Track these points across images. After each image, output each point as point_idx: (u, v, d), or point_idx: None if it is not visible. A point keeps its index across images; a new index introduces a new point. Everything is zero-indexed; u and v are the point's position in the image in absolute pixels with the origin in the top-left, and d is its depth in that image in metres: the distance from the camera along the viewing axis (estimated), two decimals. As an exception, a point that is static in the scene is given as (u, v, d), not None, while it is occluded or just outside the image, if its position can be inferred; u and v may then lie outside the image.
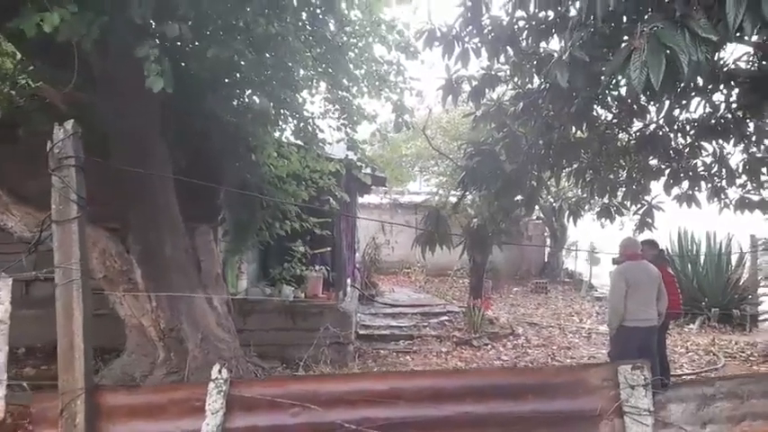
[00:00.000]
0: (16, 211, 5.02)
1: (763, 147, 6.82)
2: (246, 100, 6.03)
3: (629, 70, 2.09)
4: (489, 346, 8.53)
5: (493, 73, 5.49)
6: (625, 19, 2.99)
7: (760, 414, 2.12)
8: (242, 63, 4.84)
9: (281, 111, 5.95)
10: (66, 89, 4.26)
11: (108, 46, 4.15)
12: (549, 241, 18.64)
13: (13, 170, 5.27)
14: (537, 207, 14.53)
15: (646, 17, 2.15)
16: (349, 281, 10.37)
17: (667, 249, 11.20)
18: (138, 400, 2.08)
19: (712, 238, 11.62)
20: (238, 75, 5.40)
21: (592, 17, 2.16)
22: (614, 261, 6.20)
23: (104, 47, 4.06)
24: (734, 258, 11.33)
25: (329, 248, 8.61)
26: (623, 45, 2.16)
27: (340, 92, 5.77)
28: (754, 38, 3.93)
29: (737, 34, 1.88)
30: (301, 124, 5.94)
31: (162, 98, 3.97)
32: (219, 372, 1.99)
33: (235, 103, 5.98)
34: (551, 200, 8.36)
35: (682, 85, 5.73)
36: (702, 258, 11.38)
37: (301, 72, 5.66)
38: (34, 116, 5.12)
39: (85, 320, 1.88)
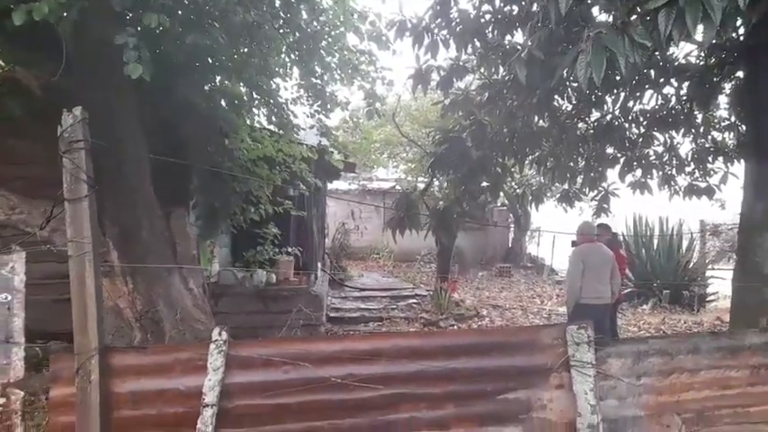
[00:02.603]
0: (-8, 193, 5.00)
1: (710, 137, 7.32)
2: (219, 85, 6.09)
3: (577, 69, 2.37)
4: (455, 326, 8.89)
5: (461, 63, 5.74)
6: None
7: (686, 368, 2.45)
8: (216, 48, 4.93)
9: (255, 96, 6.04)
10: (40, 73, 4.30)
11: (84, 30, 4.19)
12: (512, 227, 19.19)
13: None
14: (502, 194, 15.01)
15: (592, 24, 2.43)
16: (319, 265, 10.54)
17: (623, 233, 11.80)
18: (147, 359, 2.26)
19: (665, 224, 12.23)
20: (211, 60, 5.47)
21: (548, 20, 2.42)
22: (573, 243, 6.57)
23: (81, 31, 4.10)
24: (684, 243, 11.97)
25: (303, 213, 8.70)
26: (572, 47, 2.43)
27: (313, 79, 5.90)
28: (700, 36, 4.29)
29: (669, 40, 2.16)
30: (275, 110, 6.05)
31: (135, 83, 4.05)
32: (219, 333, 2.20)
33: (207, 87, 6.04)
34: (515, 186, 8.69)
35: (635, 79, 6.15)
36: (655, 243, 11.97)
37: (275, 58, 5.75)
38: (6, 99, 5.10)
39: (97, 288, 2.05)
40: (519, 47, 4.51)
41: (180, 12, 4.46)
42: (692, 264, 11.73)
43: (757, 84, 4.82)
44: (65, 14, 3.57)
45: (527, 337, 2.42)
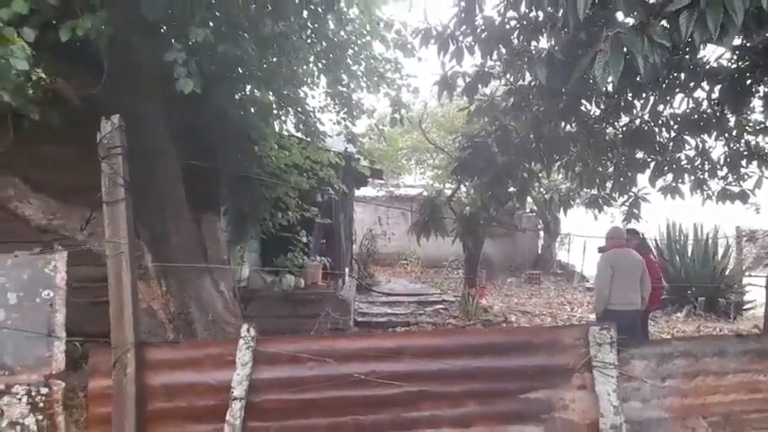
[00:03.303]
0: (33, 199, 5.26)
1: (743, 141, 7.14)
2: (249, 94, 6.27)
3: (594, 69, 2.39)
4: (483, 332, 8.85)
5: (486, 70, 5.77)
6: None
7: (711, 371, 2.42)
8: (246, 59, 5.08)
9: (283, 104, 6.20)
10: (77, 84, 4.51)
11: (119, 43, 4.39)
12: (542, 234, 18.97)
13: (26, 161, 5.51)
14: (531, 200, 14.88)
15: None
16: (347, 270, 10.64)
17: (655, 239, 11.56)
18: (179, 354, 2.39)
19: (700, 230, 11.94)
20: (242, 70, 5.64)
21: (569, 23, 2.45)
22: (600, 249, 6.50)
23: (115, 44, 4.30)
24: (720, 249, 11.66)
25: (329, 221, 8.82)
26: (591, 48, 2.45)
27: (340, 87, 6.02)
28: (737, 40, 4.22)
29: (689, 41, 2.16)
30: (303, 117, 6.19)
31: (166, 92, 4.22)
32: (248, 330, 2.29)
33: (238, 96, 6.22)
34: (543, 192, 8.64)
35: (665, 83, 6.07)
36: (690, 249, 11.70)
37: (303, 68, 5.89)
38: (48, 109, 5.35)
39: (133, 286, 2.17)
40: (543, 52, 4.53)
41: (212, 23, 4.63)
42: (728, 270, 11.40)
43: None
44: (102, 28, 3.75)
45: (549, 337, 2.43)
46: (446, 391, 2.33)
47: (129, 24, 4.00)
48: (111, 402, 2.19)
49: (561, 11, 4.21)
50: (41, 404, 2.21)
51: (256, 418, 2.27)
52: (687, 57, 5.33)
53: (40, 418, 2.20)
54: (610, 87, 5.93)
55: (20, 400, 2.20)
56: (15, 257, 2.28)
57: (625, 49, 2.28)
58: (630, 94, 6.06)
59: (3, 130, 4.53)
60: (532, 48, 5.50)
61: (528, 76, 5.81)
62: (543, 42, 5.50)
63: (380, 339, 2.54)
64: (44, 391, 2.22)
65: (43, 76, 5.59)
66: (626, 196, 7.47)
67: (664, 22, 2.57)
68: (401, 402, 2.32)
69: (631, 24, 2.39)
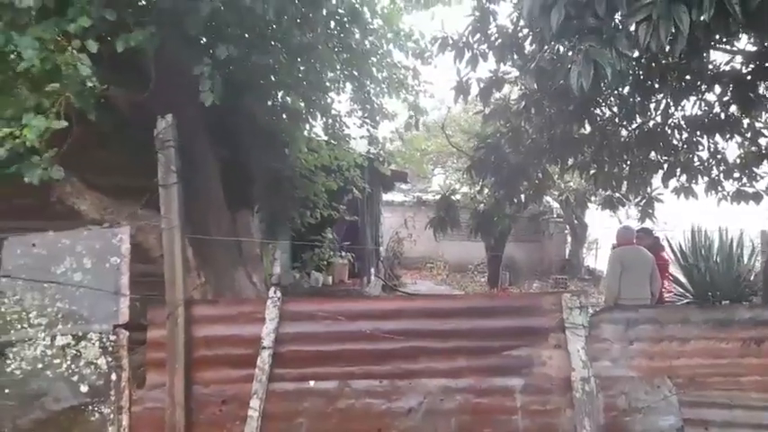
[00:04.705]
0: (88, 195, 5.86)
1: (758, 142, 7.29)
2: (280, 100, 6.78)
3: (570, 77, 2.78)
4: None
5: (500, 75, 6.14)
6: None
7: (676, 337, 2.74)
8: (277, 68, 5.58)
9: (311, 110, 6.69)
10: (126, 92, 5.07)
11: (163, 54, 4.93)
12: (569, 239, 19.04)
13: (81, 162, 6.13)
14: (558, 206, 15.05)
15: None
16: (373, 271, 11.08)
17: (679, 245, 11.61)
18: (218, 311, 2.90)
19: (725, 235, 11.92)
20: (273, 77, 6.15)
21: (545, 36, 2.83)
22: (613, 247, 6.77)
23: (160, 55, 4.84)
24: (746, 253, 11.61)
25: (356, 217, 9.25)
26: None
27: (363, 93, 6.48)
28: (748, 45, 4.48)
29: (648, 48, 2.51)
30: (329, 121, 6.67)
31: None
32: (274, 291, 2.77)
33: (270, 103, 6.73)
34: (556, 193, 8.91)
35: (676, 86, 6.32)
36: (714, 253, 11.70)
37: (329, 75, 6.38)
38: (100, 115, 5.97)
39: (183, 254, 2.68)
40: (554, 57, 4.87)
41: (246, 35, 5.15)
42: (753, 275, 11.36)
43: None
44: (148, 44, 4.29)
45: (529, 302, 2.83)
46: (440, 347, 2.75)
47: (173, 37, 4.52)
48: (165, 349, 2.69)
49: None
50: (110, 348, 2.72)
51: (281, 366, 2.74)
52: (694, 61, 5.60)
53: (109, 359, 2.72)
54: (625, 90, 6.26)
55: (93, 344, 2.71)
56: (89, 230, 2.81)
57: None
58: (640, 98, 6.34)
59: (63, 133, 5.13)
60: (545, 54, 5.87)
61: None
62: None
63: (383, 302, 2.98)
64: (112, 338, 2.73)
65: (97, 84, 6.24)
66: (641, 197, 7.69)
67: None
68: (401, 355, 2.74)
69: (601, 36, 2.77)
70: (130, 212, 5.34)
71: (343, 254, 9.56)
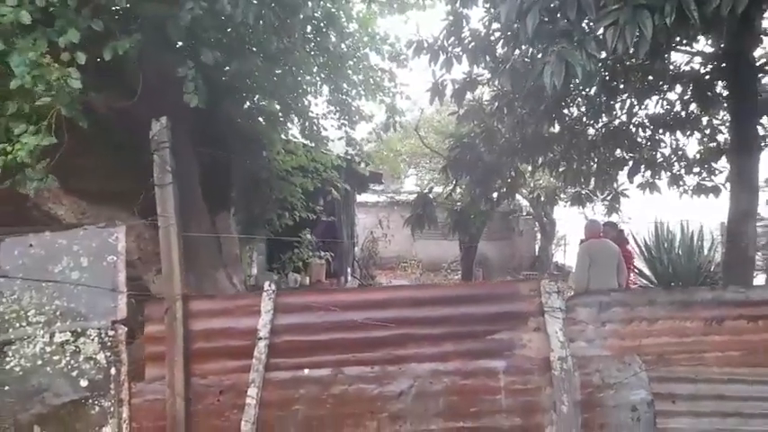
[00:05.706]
0: (65, 200, 5.84)
1: (715, 139, 7.71)
2: (257, 104, 6.86)
3: (544, 77, 2.99)
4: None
5: (473, 77, 6.36)
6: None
7: (644, 317, 2.98)
8: (255, 72, 5.67)
9: (289, 113, 6.79)
10: (108, 98, 5.09)
11: (146, 61, 4.98)
12: (539, 236, 19.51)
13: (60, 165, 6.09)
14: (527, 203, 15.44)
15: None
16: (349, 271, 11.21)
17: (644, 239, 12.11)
18: (215, 305, 3.00)
19: (686, 228, 12.45)
20: (250, 81, 6.23)
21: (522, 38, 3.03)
22: (581, 242, 7.07)
23: (143, 61, 4.89)
24: (706, 245, 12.15)
25: (333, 218, 9.36)
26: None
27: (340, 95, 6.62)
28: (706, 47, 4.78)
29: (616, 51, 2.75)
30: (307, 123, 6.79)
31: (185, 104, 4.78)
32: (269, 285, 2.89)
33: (247, 106, 6.81)
34: (526, 191, 9.20)
35: (640, 85, 6.65)
36: (676, 246, 12.20)
37: (307, 78, 6.49)
38: (81, 121, 5.94)
39: (179, 250, 2.77)
40: (526, 59, 5.10)
41: (225, 41, 5.23)
42: (713, 266, 11.90)
43: (735, 89, 5.34)
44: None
45: (510, 289, 3.02)
46: (427, 334, 2.91)
47: (155, 43, 4.58)
48: (164, 343, 2.77)
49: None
50: (109, 343, 2.79)
51: (277, 355, 2.85)
52: (656, 62, 5.93)
53: (108, 354, 2.79)
54: (592, 90, 6.56)
55: (92, 340, 2.77)
56: (86, 230, 2.87)
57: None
58: (606, 98, 6.66)
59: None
60: (515, 56, 6.11)
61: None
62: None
63: (372, 293, 3.12)
64: (111, 333, 2.80)
65: (81, 90, 6.20)
66: (607, 192, 8.05)
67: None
68: (391, 342, 2.89)
69: (572, 39, 3.00)
70: (108, 216, 5.36)
71: (322, 254, 9.66)
